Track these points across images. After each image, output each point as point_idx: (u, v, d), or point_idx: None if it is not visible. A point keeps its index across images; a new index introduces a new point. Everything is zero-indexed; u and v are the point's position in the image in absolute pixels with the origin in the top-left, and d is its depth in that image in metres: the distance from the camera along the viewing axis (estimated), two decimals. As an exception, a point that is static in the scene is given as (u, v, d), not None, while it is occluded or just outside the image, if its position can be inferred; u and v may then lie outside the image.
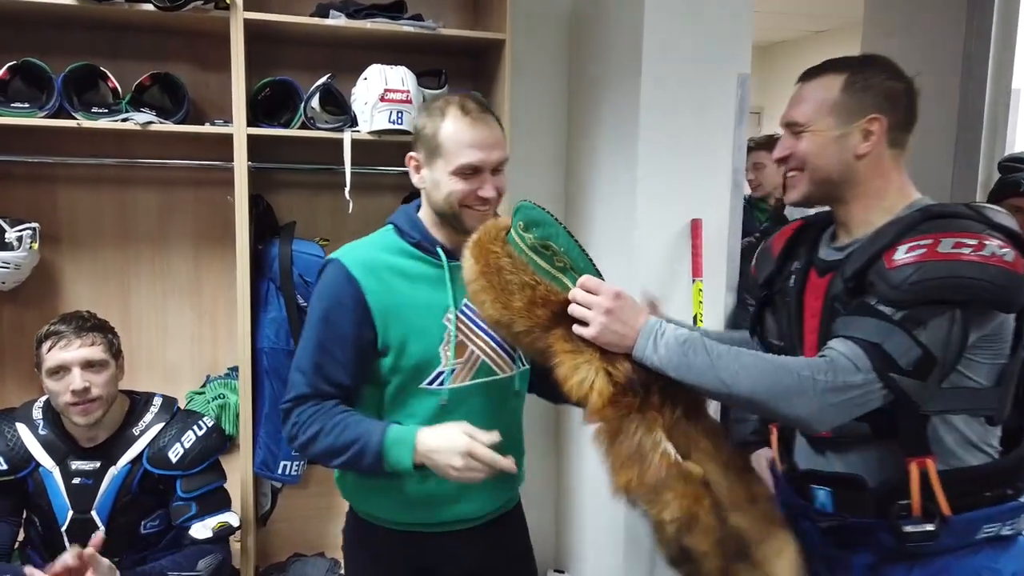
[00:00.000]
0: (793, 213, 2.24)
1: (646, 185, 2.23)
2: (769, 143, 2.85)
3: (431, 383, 1.40)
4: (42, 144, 2.22)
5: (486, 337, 1.43)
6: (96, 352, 1.72)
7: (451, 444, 1.27)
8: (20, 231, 2.07)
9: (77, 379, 1.67)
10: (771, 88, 6.02)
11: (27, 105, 1.98)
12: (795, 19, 5.64)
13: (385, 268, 1.39)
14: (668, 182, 2.25)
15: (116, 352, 1.78)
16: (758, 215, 2.78)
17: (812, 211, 2.16)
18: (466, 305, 1.40)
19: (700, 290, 2.26)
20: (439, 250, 1.42)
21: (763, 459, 2.18)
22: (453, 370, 1.40)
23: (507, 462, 1.27)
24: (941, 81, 2.59)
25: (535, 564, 1.68)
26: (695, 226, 2.27)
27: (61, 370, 1.68)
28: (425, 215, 1.44)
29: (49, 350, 1.69)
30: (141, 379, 2.36)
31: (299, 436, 1.38)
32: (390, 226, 1.46)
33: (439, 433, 1.30)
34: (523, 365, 1.50)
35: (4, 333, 2.30)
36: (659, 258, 2.27)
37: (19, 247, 2.06)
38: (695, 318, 2.27)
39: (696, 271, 2.27)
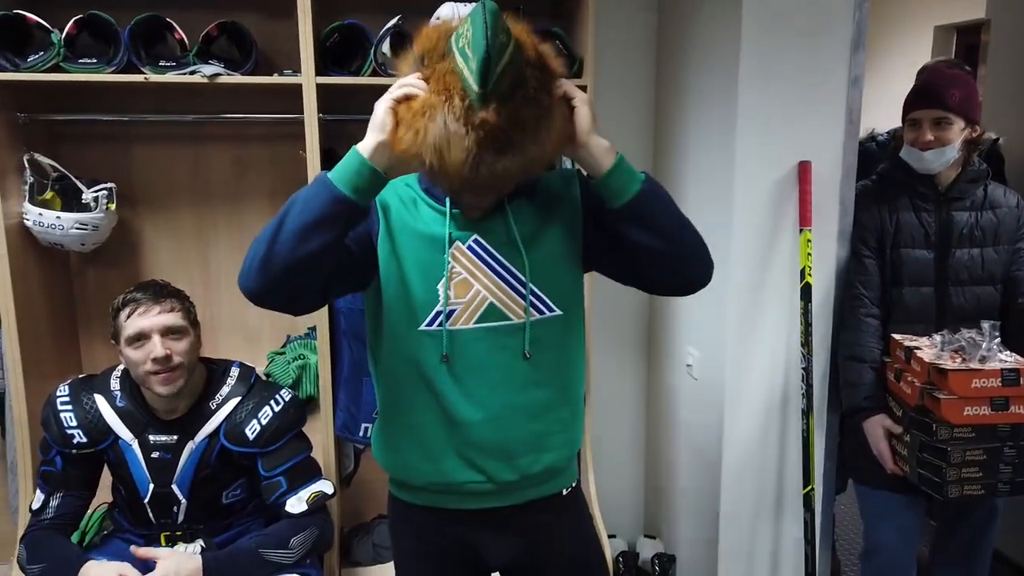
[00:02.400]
0: (913, 156, 1.98)
1: (747, 123, 2.00)
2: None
3: (429, 324, 1.27)
4: (114, 101, 2.18)
5: (495, 277, 1.28)
6: (176, 318, 1.67)
7: None
8: (97, 192, 2.04)
9: (158, 346, 1.62)
10: (888, 14, 5.47)
11: (95, 61, 1.92)
12: None
13: (400, 195, 1.32)
14: (772, 120, 2.02)
15: (194, 320, 1.73)
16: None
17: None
18: (476, 240, 1.28)
19: (808, 240, 2.04)
20: (447, 199, 1.29)
21: (879, 427, 1.99)
22: (453, 311, 1.27)
23: None
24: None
25: (599, 550, 1.55)
26: (803, 169, 2.04)
27: (141, 338, 1.64)
28: None
29: (128, 317, 1.65)
30: (222, 340, 2.36)
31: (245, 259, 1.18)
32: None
33: None
34: (545, 312, 1.31)
35: (90, 295, 2.31)
36: (762, 205, 2.06)
37: (96, 208, 2.04)
38: (803, 271, 2.05)
39: (804, 219, 2.04)
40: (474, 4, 1.27)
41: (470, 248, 1.29)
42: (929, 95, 1.97)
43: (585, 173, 1.27)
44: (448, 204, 1.28)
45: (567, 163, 2.18)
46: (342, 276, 1.24)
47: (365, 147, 1.14)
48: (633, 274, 1.32)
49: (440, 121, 1.08)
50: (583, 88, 1.66)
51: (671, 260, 1.24)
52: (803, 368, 2.09)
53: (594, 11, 2.10)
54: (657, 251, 1.22)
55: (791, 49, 1.98)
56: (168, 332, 1.65)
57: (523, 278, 1.29)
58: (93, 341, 2.32)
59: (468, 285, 1.28)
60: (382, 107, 1.14)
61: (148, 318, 1.64)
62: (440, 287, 1.27)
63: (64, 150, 2.20)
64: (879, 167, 2.19)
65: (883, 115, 2.63)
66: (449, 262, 1.27)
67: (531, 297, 1.29)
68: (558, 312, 1.32)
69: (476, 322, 1.28)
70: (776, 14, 1.95)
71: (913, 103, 2.00)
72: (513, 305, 1.29)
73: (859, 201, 2.10)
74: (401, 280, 1.28)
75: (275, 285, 1.13)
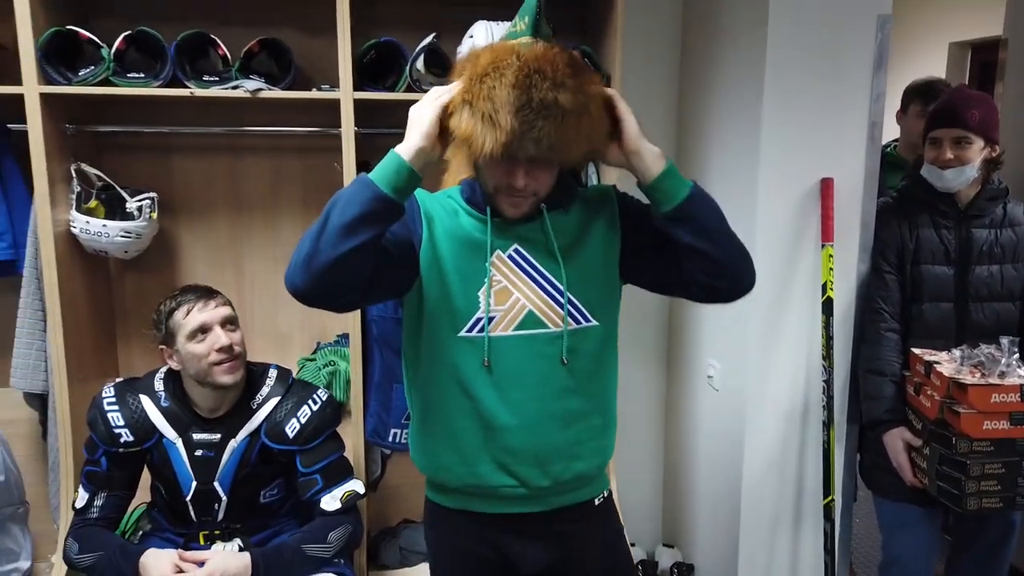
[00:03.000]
0: (934, 175, 2.02)
1: (771, 139, 2.06)
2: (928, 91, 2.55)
3: (469, 330, 1.32)
4: (156, 114, 2.26)
5: (535, 286, 1.33)
6: (231, 311, 1.79)
7: None
8: (140, 201, 2.11)
9: (222, 336, 1.73)
10: (903, 31, 5.50)
11: (142, 75, 1.99)
12: None
13: (443, 206, 1.37)
14: (796, 136, 2.07)
15: (236, 320, 1.82)
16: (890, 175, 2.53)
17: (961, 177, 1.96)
18: (515, 250, 1.34)
19: (830, 256, 2.09)
20: (487, 208, 1.34)
21: (899, 440, 2.03)
22: (493, 318, 1.32)
23: None
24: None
25: (629, 562, 1.58)
26: (826, 185, 2.09)
27: (204, 331, 1.73)
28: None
29: (187, 314, 1.73)
30: (255, 344, 2.41)
31: (292, 259, 1.26)
32: (465, 182, 1.41)
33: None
34: (583, 321, 1.36)
35: (128, 301, 2.38)
36: (785, 220, 2.11)
37: (140, 216, 2.11)
38: (824, 286, 2.10)
39: (826, 235, 2.09)
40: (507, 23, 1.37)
41: (510, 257, 1.34)
42: (950, 115, 2.01)
43: (637, 181, 1.32)
44: (488, 213, 1.34)
45: (596, 178, 2.24)
46: (382, 279, 1.29)
47: (406, 150, 1.21)
48: (680, 281, 1.36)
49: (486, 93, 1.17)
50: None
51: (719, 263, 1.30)
52: (824, 381, 2.13)
53: (621, 30, 2.15)
54: (706, 254, 1.28)
55: (815, 66, 2.04)
56: (227, 323, 1.76)
57: (561, 287, 1.34)
58: (130, 345, 2.39)
59: (508, 293, 1.32)
60: (429, 115, 1.21)
61: (207, 312, 1.74)
62: (481, 294, 1.32)
63: (107, 160, 2.27)
64: (900, 184, 2.24)
65: (896, 130, 2.68)
66: (490, 270, 1.32)
67: (568, 306, 1.34)
68: (594, 323, 1.37)
69: (515, 329, 1.33)
70: (800, 32, 2.01)
71: (934, 122, 2.05)
72: (551, 314, 1.34)
73: (880, 217, 2.15)
74: (442, 287, 1.32)
75: (320, 281, 1.18)
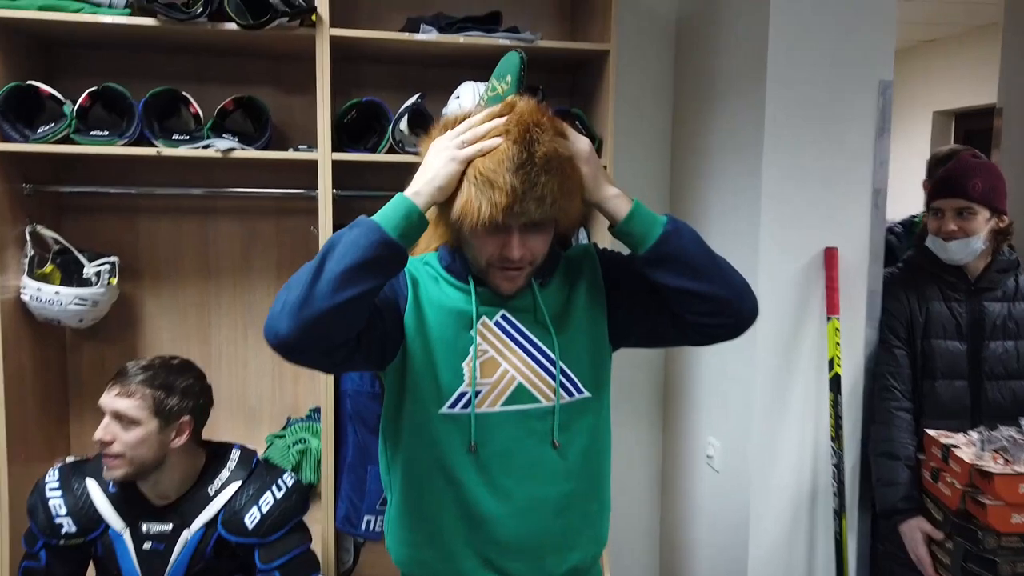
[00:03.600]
0: (938, 246, 1.93)
1: (771, 207, 1.96)
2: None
3: (452, 406, 1.18)
4: (124, 173, 2.14)
5: (524, 356, 1.20)
6: (128, 406, 1.54)
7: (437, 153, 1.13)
8: (98, 266, 1.96)
9: (100, 428, 1.55)
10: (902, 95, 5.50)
11: (106, 133, 1.87)
12: (928, 22, 5.11)
13: (424, 275, 1.25)
14: (797, 204, 1.97)
15: (167, 413, 1.57)
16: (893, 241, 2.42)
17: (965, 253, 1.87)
18: (503, 316, 1.21)
19: (836, 329, 1.97)
20: (470, 279, 1.23)
21: (917, 531, 1.87)
22: (479, 392, 1.18)
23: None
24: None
25: None
26: (830, 255, 1.98)
27: (101, 414, 1.56)
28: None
29: (104, 391, 1.57)
30: (221, 418, 2.26)
31: (274, 305, 1.09)
32: (442, 248, 1.30)
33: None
34: (575, 393, 1.23)
35: (84, 373, 2.21)
36: (787, 292, 1.99)
37: (97, 282, 1.96)
38: (831, 361, 1.97)
39: (831, 307, 1.97)
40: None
41: (498, 324, 1.21)
42: (951, 185, 1.93)
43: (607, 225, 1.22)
44: (472, 282, 1.22)
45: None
46: (372, 341, 1.16)
47: (420, 196, 1.10)
48: (674, 328, 1.24)
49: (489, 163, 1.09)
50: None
51: (713, 301, 1.17)
52: (834, 464, 1.98)
53: (613, 93, 2.08)
54: (696, 293, 1.16)
55: (815, 132, 1.96)
56: (119, 417, 1.54)
57: (553, 356, 1.21)
58: (84, 421, 2.21)
59: (496, 364, 1.20)
60: (452, 170, 1.10)
61: (107, 396, 1.56)
62: (466, 366, 1.18)
63: (69, 221, 2.14)
64: (905, 254, 2.14)
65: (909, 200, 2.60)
66: (476, 339, 1.19)
67: (561, 377, 1.21)
68: (587, 394, 1.24)
69: (503, 404, 1.19)
70: (799, 96, 1.93)
71: (936, 192, 1.97)
72: (543, 386, 1.21)
73: (887, 289, 2.04)
74: (426, 356, 1.20)
75: (309, 332, 1.03)
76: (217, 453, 1.70)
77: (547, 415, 1.21)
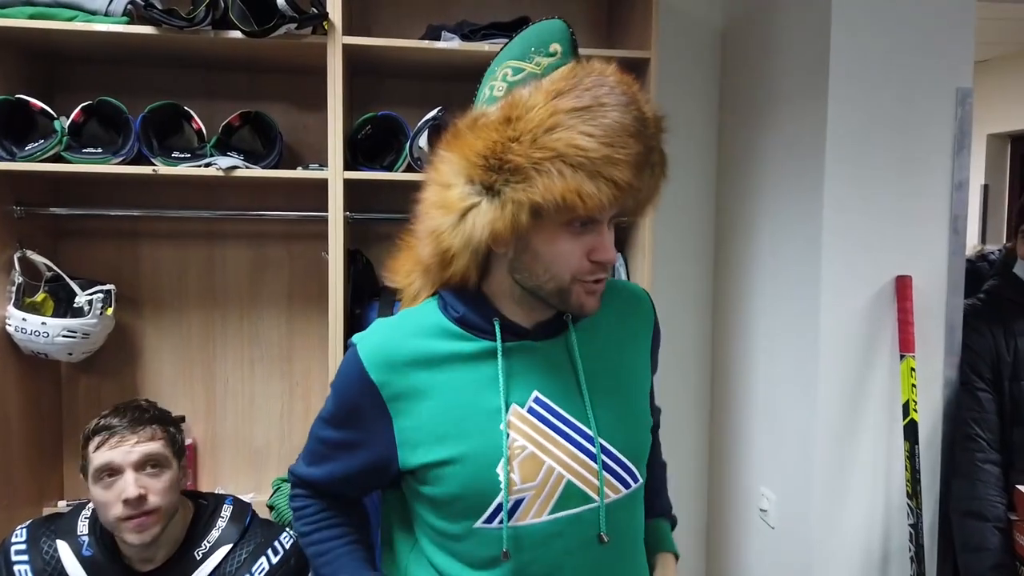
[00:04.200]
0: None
1: (834, 233, 1.73)
2: None
3: (489, 520, 0.95)
4: (125, 195, 2.00)
5: (568, 445, 0.96)
6: (157, 447, 1.38)
7: None
8: (91, 294, 1.81)
9: (131, 485, 1.33)
10: (983, 109, 5.22)
11: (99, 151, 1.73)
12: (981, 42, 4.83)
13: (407, 359, 0.98)
14: (864, 228, 1.74)
15: (179, 450, 1.44)
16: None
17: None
18: (536, 399, 0.96)
19: (912, 369, 1.72)
20: (495, 322, 0.98)
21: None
22: (521, 500, 0.94)
23: None
24: None
25: None
26: (902, 285, 1.74)
27: (112, 472, 1.35)
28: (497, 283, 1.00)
29: (98, 448, 1.36)
30: (225, 460, 2.10)
31: (296, 528, 1.12)
32: (434, 297, 1.05)
33: None
34: (632, 483, 1.01)
35: (80, 409, 2.05)
36: (854, 328, 1.75)
37: (89, 312, 1.80)
38: (906, 406, 1.72)
39: (905, 345, 1.73)
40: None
41: (531, 411, 0.97)
42: None
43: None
44: (499, 334, 0.97)
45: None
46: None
47: None
48: None
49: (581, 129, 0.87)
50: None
51: None
52: (911, 525, 1.73)
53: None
54: None
55: (884, 147, 1.73)
56: (146, 464, 1.36)
57: (591, 433, 0.98)
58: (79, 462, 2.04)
59: (538, 462, 0.95)
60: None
61: (120, 449, 1.35)
62: (499, 470, 0.94)
63: (65, 246, 2.00)
64: (986, 284, 1.90)
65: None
66: (507, 434, 0.95)
67: (613, 465, 0.98)
68: (641, 481, 1.02)
69: (552, 511, 0.96)
70: (866, 111, 1.72)
71: None
72: (591, 478, 0.97)
73: (968, 323, 1.80)
74: (440, 473, 0.96)
75: None
76: (206, 508, 1.50)
77: (596, 514, 0.98)
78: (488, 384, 0.96)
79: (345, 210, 1.80)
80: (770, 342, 1.98)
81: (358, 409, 0.98)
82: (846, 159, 1.73)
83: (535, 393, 0.97)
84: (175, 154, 1.79)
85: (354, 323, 1.89)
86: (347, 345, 1.82)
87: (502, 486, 0.93)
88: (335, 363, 1.79)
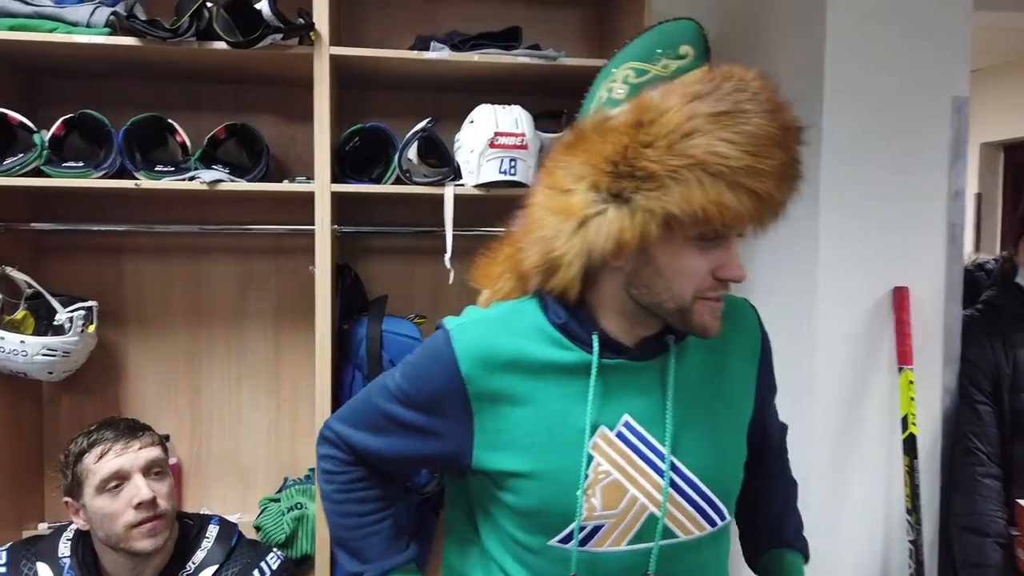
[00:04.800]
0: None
1: (831, 243, 1.72)
2: None
3: (565, 541, 0.91)
4: (109, 210, 1.96)
5: (655, 475, 0.92)
6: (159, 452, 1.41)
7: None
8: (71, 312, 1.76)
9: (143, 488, 1.34)
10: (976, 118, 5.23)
11: (81, 164, 1.69)
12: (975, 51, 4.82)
13: (506, 358, 0.93)
14: (861, 239, 1.73)
15: (168, 464, 1.44)
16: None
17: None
18: (626, 424, 0.92)
19: (910, 382, 1.70)
20: (594, 337, 0.92)
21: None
22: (600, 527, 0.91)
23: None
24: None
25: None
26: (899, 296, 1.72)
27: (119, 480, 1.35)
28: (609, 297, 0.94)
29: (100, 458, 1.35)
30: (211, 479, 2.06)
31: (323, 487, 1.07)
32: (535, 297, 0.98)
33: None
34: (719, 520, 0.96)
35: (62, 429, 2.00)
36: (851, 339, 1.74)
37: (70, 330, 1.76)
38: (905, 419, 1.70)
39: (903, 357, 1.71)
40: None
41: (620, 436, 0.93)
42: None
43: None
44: (596, 352, 0.92)
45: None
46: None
47: None
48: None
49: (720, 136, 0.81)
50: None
51: None
52: (911, 541, 1.70)
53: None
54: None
55: (880, 160, 1.72)
56: (151, 469, 1.38)
57: (692, 477, 0.94)
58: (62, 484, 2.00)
59: (621, 490, 0.92)
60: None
61: (127, 455, 1.36)
62: (582, 494, 0.91)
63: (48, 262, 1.96)
64: (984, 295, 1.87)
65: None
66: (592, 457, 0.92)
67: (696, 497, 0.94)
68: (728, 520, 0.98)
69: (630, 542, 0.92)
70: (862, 119, 1.70)
71: None
72: (684, 515, 0.94)
73: (967, 335, 1.78)
74: (518, 483, 0.93)
75: None
76: (191, 528, 1.47)
77: (694, 548, 0.95)
78: (580, 400, 0.92)
79: (333, 223, 1.77)
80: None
81: (439, 398, 0.95)
82: (842, 168, 1.71)
83: (625, 417, 0.93)
84: (158, 167, 1.75)
85: (342, 339, 1.86)
86: (337, 361, 1.80)
87: (583, 508, 0.90)
88: (322, 379, 1.76)
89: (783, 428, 1.18)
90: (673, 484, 0.93)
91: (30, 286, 1.81)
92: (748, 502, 1.09)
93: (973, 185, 5.30)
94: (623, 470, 0.92)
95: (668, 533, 0.93)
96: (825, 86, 1.69)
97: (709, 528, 0.95)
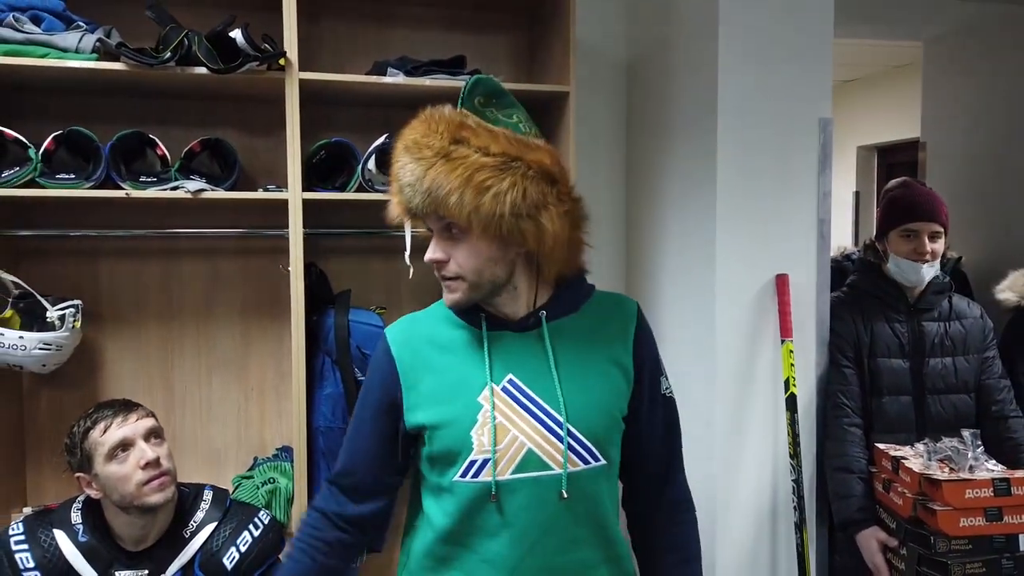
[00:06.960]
0: (905, 268, 2.08)
1: (727, 239, 2.07)
2: None
3: (464, 475, 1.17)
4: (85, 216, 2.11)
5: (534, 421, 1.18)
6: (153, 422, 1.64)
7: None
8: (62, 309, 1.93)
9: (147, 450, 1.57)
10: (852, 124, 5.74)
11: (72, 176, 1.86)
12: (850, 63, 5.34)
13: (423, 339, 1.25)
14: (750, 235, 2.09)
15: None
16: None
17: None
18: (510, 381, 1.20)
19: (791, 351, 2.08)
20: (482, 316, 1.22)
21: (873, 540, 1.96)
22: (488, 460, 1.17)
23: None
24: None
25: None
26: (781, 281, 2.10)
27: (125, 447, 1.56)
28: None
29: (105, 432, 1.56)
30: (185, 462, 2.22)
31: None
32: None
33: None
34: (591, 461, 1.20)
35: (41, 420, 2.15)
36: (743, 318, 2.09)
37: (61, 326, 1.92)
38: (787, 382, 2.08)
39: (785, 331, 2.09)
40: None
41: (505, 390, 1.19)
42: (926, 208, 2.05)
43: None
44: (484, 327, 1.21)
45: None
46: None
47: None
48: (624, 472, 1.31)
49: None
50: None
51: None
52: (793, 480, 2.08)
53: (574, 132, 2.17)
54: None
55: (763, 170, 2.08)
56: (151, 435, 1.61)
57: (560, 419, 1.18)
58: (42, 471, 2.14)
59: (505, 431, 1.17)
60: None
61: (128, 425, 1.58)
62: (474, 433, 1.17)
63: (28, 265, 2.10)
64: (849, 279, 2.28)
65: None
66: (481, 406, 1.19)
67: (571, 441, 1.18)
68: (602, 462, 1.21)
69: (514, 472, 1.17)
70: (748, 137, 2.06)
71: (908, 215, 2.06)
72: (553, 452, 1.18)
73: (834, 312, 2.16)
74: (432, 432, 1.20)
75: None
76: (189, 494, 1.68)
77: (557, 481, 1.18)
78: (475, 364, 1.21)
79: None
80: (676, 332, 2.30)
81: (383, 379, 1.24)
82: (733, 177, 2.06)
83: (510, 375, 1.19)
84: (142, 178, 1.94)
85: (312, 328, 2.08)
86: (308, 348, 2.01)
87: (474, 445, 1.17)
88: (299, 368, 1.98)
89: (668, 400, 1.33)
90: (548, 427, 1.18)
91: (18, 286, 1.96)
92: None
93: (851, 184, 5.89)
94: (507, 416, 1.18)
95: (545, 466, 1.17)
96: (719, 108, 2.03)
97: (582, 464, 1.19)
